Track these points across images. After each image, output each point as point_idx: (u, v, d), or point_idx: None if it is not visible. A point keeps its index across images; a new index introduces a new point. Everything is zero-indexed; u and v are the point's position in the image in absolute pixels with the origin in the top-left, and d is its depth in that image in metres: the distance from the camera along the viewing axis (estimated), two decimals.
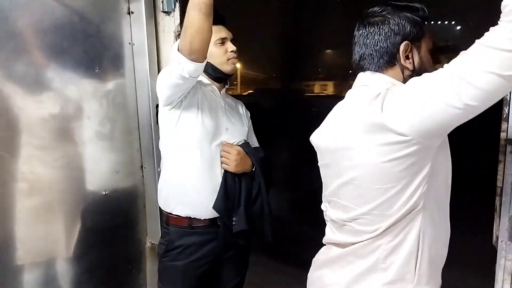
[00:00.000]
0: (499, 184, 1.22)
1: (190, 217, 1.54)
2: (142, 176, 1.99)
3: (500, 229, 1.21)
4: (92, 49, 1.69)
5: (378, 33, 1.01)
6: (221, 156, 1.53)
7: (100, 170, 1.81)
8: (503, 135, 1.18)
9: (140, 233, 2.03)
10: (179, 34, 1.58)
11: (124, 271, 1.98)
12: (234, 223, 1.53)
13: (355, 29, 1.08)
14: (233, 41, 1.57)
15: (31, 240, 1.57)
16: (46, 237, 1.62)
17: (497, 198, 1.24)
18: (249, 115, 1.77)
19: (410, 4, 1.03)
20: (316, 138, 1.15)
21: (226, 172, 1.53)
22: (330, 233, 1.16)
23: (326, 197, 1.16)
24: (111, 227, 1.88)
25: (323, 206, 1.26)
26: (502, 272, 1.22)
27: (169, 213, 1.58)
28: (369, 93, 0.98)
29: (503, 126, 1.18)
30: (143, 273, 2.07)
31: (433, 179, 0.94)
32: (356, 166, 0.97)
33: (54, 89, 1.58)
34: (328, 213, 1.16)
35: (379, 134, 0.90)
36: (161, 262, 1.61)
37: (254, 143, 1.74)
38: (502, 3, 0.78)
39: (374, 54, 1.03)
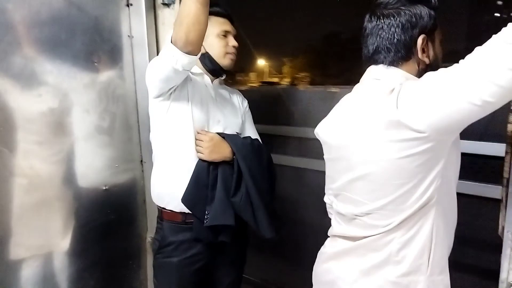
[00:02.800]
0: (505, 175, 1.22)
1: (184, 212, 1.50)
2: (142, 170, 1.96)
3: (506, 220, 1.21)
4: (91, 41, 1.66)
5: (395, 25, 0.99)
6: (196, 145, 1.47)
7: (100, 164, 1.78)
8: (510, 126, 1.18)
9: (140, 228, 2.01)
10: None
11: (124, 267, 1.96)
12: (206, 216, 1.44)
13: (366, 20, 1.05)
14: (235, 38, 1.55)
15: (31, 235, 1.54)
16: (46, 232, 1.60)
17: (503, 188, 1.24)
18: (247, 105, 1.74)
19: None
20: (323, 132, 1.13)
21: (198, 161, 1.46)
22: (337, 226, 1.15)
23: (333, 191, 1.15)
24: (111, 223, 1.86)
25: (326, 199, 1.26)
26: (508, 262, 1.22)
27: (163, 208, 1.55)
28: (383, 88, 0.96)
29: (510, 117, 1.18)
30: (143, 268, 2.05)
31: (445, 173, 0.94)
32: (370, 162, 0.97)
33: (52, 82, 1.55)
34: (335, 206, 1.15)
35: (395, 130, 0.89)
36: (156, 258, 1.57)
37: (252, 134, 1.68)
38: None
39: (391, 47, 1.00)
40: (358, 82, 1.10)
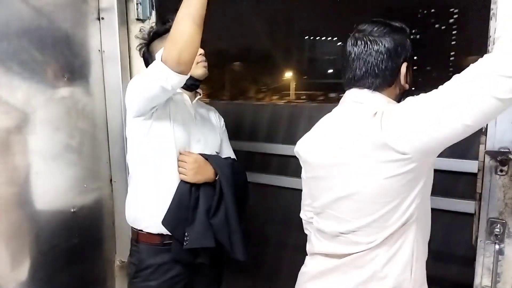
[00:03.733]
0: (478, 190, 1.30)
1: (162, 234, 1.44)
2: (112, 190, 1.88)
3: (480, 230, 1.28)
4: (61, 55, 1.59)
5: (384, 52, 1.02)
6: (178, 166, 1.43)
7: (67, 185, 1.69)
8: (482, 147, 1.26)
9: (109, 251, 1.91)
10: (146, 40, 1.52)
11: None
12: (186, 238, 1.41)
13: (350, 44, 1.07)
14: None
15: None
16: (10, 259, 1.48)
17: (476, 202, 1.31)
18: (223, 123, 1.73)
19: (395, 23, 1.06)
20: (304, 151, 1.14)
21: (180, 183, 1.42)
22: (318, 244, 1.15)
23: (315, 209, 1.16)
24: (78, 246, 1.75)
25: (302, 215, 1.28)
26: (481, 268, 1.30)
27: (139, 231, 1.48)
28: (366, 111, 1.00)
29: (482, 139, 1.26)
30: None
31: (424, 190, 0.99)
32: (356, 182, 0.99)
33: (19, 98, 1.46)
34: (316, 224, 1.16)
35: (380, 152, 0.92)
36: (132, 283, 1.49)
37: (229, 153, 1.67)
38: (496, 34, 0.83)
39: (379, 73, 1.03)
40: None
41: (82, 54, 1.68)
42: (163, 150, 1.42)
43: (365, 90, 1.05)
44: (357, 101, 1.06)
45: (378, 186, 0.95)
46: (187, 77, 1.25)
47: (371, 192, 0.97)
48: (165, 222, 1.39)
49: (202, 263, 1.47)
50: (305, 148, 1.14)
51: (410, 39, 1.07)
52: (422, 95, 0.91)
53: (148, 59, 1.51)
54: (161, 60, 1.20)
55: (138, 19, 1.75)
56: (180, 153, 1.43)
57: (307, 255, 1.22)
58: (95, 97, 1.76)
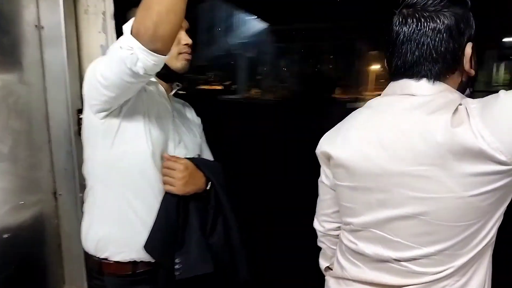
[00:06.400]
0: None
1: (135, 261, 1.14)
2: (56, 206, 1.49)
3: None
4: None
5: (443, 30, 0.81)
6: (163, 175, 1.14)
7: None
8: None
9: (55, 281, 1.52)
10: (119, 17, 1.20)
11: None
12: (177, 266, 1.13)
13: (397, 23, 0.85)
14: (188, 32, 1.23)
15: None
16: None
17: None
18: (200, 121, 1.43)
19: None
20: (342, 154, 0.90)
21: (166, 195, 1.13)
22: (352, 269, 0.94)
23: (354, 226, 0.92)
24: (17, 277, 1.36)
25: (318, 226, 1.08)
26: None
27: (103, 260, 1.16)
28: (427, 107, 0.79)
29: None
30: None
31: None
32: (428, 199, 0.77)
33: None
34: (350, 244, 0.94)
35: (472, 162, 0.72)
36: None
37: (209, 156, 1.39)
38: None
39: (437, 58, 0.82)
40: None
41: (13, 30, 1.26)
42: (137, 154, 1.10)
43: (423, 80, 0.83)
44: (410, 94, 0.84)
45: (460, 205, 0.75)
46: (166, 58, 0.94)
47: (448, 212, 0.76)
48: (149, 248, 1.10)
49: None
50: (341, 149, 0.90)
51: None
52: None
53: None
54: (131, 34, 0.88)
55: None
56: (166, 158, 1.12)
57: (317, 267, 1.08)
58: (31, 87, 1.35)
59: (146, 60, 0.89)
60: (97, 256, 1.17)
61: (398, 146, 0.79)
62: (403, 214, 0.80)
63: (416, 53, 0.83)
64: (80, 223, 1.21)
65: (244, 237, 1.24)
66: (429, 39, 0.82)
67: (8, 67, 1.27)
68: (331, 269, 1.04)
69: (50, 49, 1.36)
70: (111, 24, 1.36)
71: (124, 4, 1.22)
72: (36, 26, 1.33)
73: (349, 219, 0.93)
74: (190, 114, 1.38)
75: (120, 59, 0.91)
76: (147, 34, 0.86)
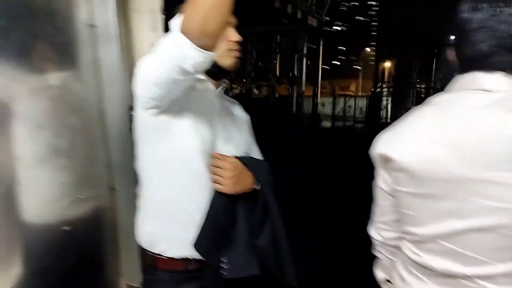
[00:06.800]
0: None
1: (187, 258, 1.14)
2: (112, 200, 1.53)
3: None
4: (40, 32, 1.20)
5: None
6: (212, 173, 1.12)
7: (55, 196, 1.33)
8: None
9: (112, 273, 1.57)
10: (168, 13, 1.18)
11: None
12: (224, 265, 1.12)
13: (467, 9, 0.75)
14: (236, 29, 1.19)
15: None
16: None
17: None
18: (249, 118, 1.39)
19: None
20: (404, 157, 0.81)
21: (215, 194, 1.11)
22: (418, 284, 0.85)
23: (418, 236, 0.84)
24: (72, 268, 1.40)
25: (374, 233, 1.00)
26: None
27: (157, 255, 1.16)
28: (505, 104, 0.69)
29: None
30: None
31: None
32: (507, 210, 0.69)
33: None
34: (413, 255, 0.85)
35: None
36: None
37: (258, 155, 1.36)
38: None
39: None
40: None
41: (67, 29, 1.30)
42: (187, 151, 1.09)
43: (496, 73, 0.73)
44: (483, 89, 0.74)
45: None
46: (215, 54, 0.90)
47: None
48: (198, 246, 1.08)
49: None
50: (402, 151, 0.81)
51: None
52: None
53: None
54: (180, 31, 0.86)
55: None
56: (214, 157, 1.10)
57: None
58: (87, 85, 1.39)
59: (195, 57, 0.87)
60: (151, 251, 1.18)
61: (471, 149, 0.70)
62: (478, 226, 0.71)
63: (492, 42, 0.73)
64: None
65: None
66: (506, 26, 0.71)
67: (64, 66, 1.31)
68: (391, 282, 0.96)
69: (103, 47, 1.38)
70: (161, 21, 1.36)
71: (172, 0, 1.21)
72: (89, 25, 1.35)
73: (412, 229, 0.84)
74: (238, 111, 1.35)
75: (169, 56, 0.89)
76: (195, 30, 0.84)
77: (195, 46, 0.84)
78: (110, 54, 1.38)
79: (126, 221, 1.54)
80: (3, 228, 1.21)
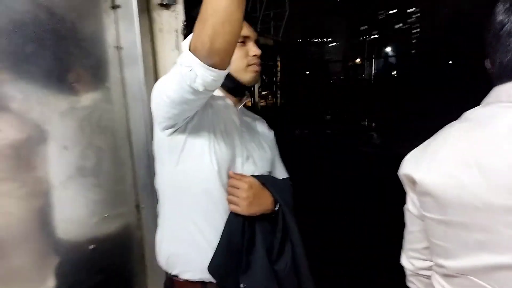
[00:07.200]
0: None
1: (203, 281, 1.11)
2: (139, 218, 1.54)
3: None
4: (66, 55, 1.24)
5: None
6: (228, 193, 1.09)
7: (83, 214, 1.35)
8: None
9: None
10: (186, 33, 1.19)
11: None
12: None
13: (501, 10, 0.68)
14: (256, 43, 1.17)
15: None
16: None
17: None
18: (273, 135, 1.36)
19: None
20: (430, 179, 0.73)
21: (231, 215, 1.08)
22: None
23: (447, 270, 0.75)
24: (100, 285, 1.42)
25: (406, 262, 0.90)
26: None
27: (174, 277, 1.15)
28: None
29: None
30: None
31: None
32: None
33: (14, 109, 1.13)
34: None
35: None
36: None
37: (282, 174, 1.31)
38: None
39: None
40: None
41: (94, 52, 1.33)
42: (202, 171, 1.06)
43: None
44: None
45: None
46: (225, 73, 0.88)
47: None
48: (212, 269, 1.05)
49: None
50: (428, 173, 0.74)
51: None
52: None
53: None
54: (189, 50, 0.84)
55: (161, 5, 1.39)
56: (230, 176, 1.07)
57: None
58: (114, 105, 1.41)
59: (205, 76, 0.85)
60: (169, 271, 1.17)
61: (504, 174, 0.62)
62: (510, 263, 0.62)
63: None
64: None
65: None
66: None
67: (91, 87, 1.34)
68: None
69: (129, 68, 1.40)
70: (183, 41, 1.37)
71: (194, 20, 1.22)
72: (116, 47, 1.39)
73: (441, 261, 0.76)
74: (262, 127, 1.32)
75: (179, 76, 0.89)
76: (204, 49, 0.82)
77: (204, 64, 0.83)
78: (135, 74, 1.40)
79: (152, 239, 1.52)
80: (36, 245, 1.24)
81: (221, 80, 0.90)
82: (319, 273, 1.06)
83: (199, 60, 0.83)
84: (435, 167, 0.72)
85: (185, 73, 0.86)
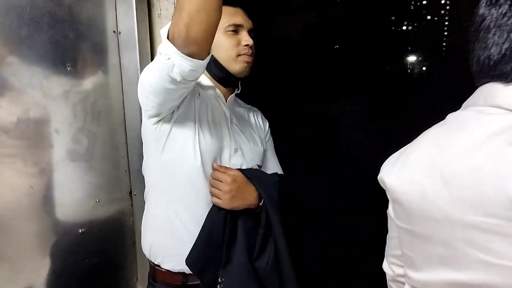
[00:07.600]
0: None
1: (184, 273, 1.10)
2: (131, 205, 1.54)
3: None
4: (63, 39, 1.23)
5: None
6: (211, 186, 1.07)
7: (74, 200, 1.35)
8: None
9: (128, 278, 1.58)
10: None
11: None
12: (220, 286, 1.05)
13: (484, 3, 0.61)
14: (251, 33, 1.14)
15: None
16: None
17: None
18: (268, 127, 1.32)
19: None
20: (397, 185, 0.68)
21: (212, 208, 1.06)
22: None
23: (412, 281, 0.71)
24: (91, 273, 1.43)
25: (386, 268, 0.86)
26: None
27: (156, 266, 1.14)
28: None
29: None
30: None
31: None
32: (499, 267, 0.52)
33: (8, 93, 1.13)
34: None
35: None
36: None
37: (275, 168, 1.28)
38: None
39: None
40: None
41: (92, 36, 1.32)
42: (186, 162, 1.05)
43: (499, 85, 0.58)
44: (495, 105, 0.58)
45: None
46: (204, 62, 0.85)
47: None
48: (190, 261, 1.03)
49: None
50: (396, 178, 0.68)
51: None
52: None
53: None
54: (168, 38, 0.82)
55: None
56: (214, 168, 1.05)
57: None
58: (110, 90, 1.41)
59: (182, 66, 0.83)
60: (151, 260, 1.16)
61: (464, 185, 0.55)
62: (468, 281, 0.56)
63: (505, 44, 0.57)
64: None
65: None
66: None
67: (87, 71, 1.33)
68: None
69: (126, 54, 1.39)
70: None
71: None
72: (114, 31, 1.37)
73: (409, 272, 0.71)
74: (256, 119, 1.29)
75: (160, 65, 0.87)
76: (180, 37, 0.80)
77: (181, 54, 0.81)
78: (132, 59, 1.39)
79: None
80: (37, 225, 1.25)
81: (200, 71, 0.87)
82: (319, 273, 1.03)
83: (176, 49, 0.81)
84: (404, 173, 0.67)
85: (163, 62, 0.84)
